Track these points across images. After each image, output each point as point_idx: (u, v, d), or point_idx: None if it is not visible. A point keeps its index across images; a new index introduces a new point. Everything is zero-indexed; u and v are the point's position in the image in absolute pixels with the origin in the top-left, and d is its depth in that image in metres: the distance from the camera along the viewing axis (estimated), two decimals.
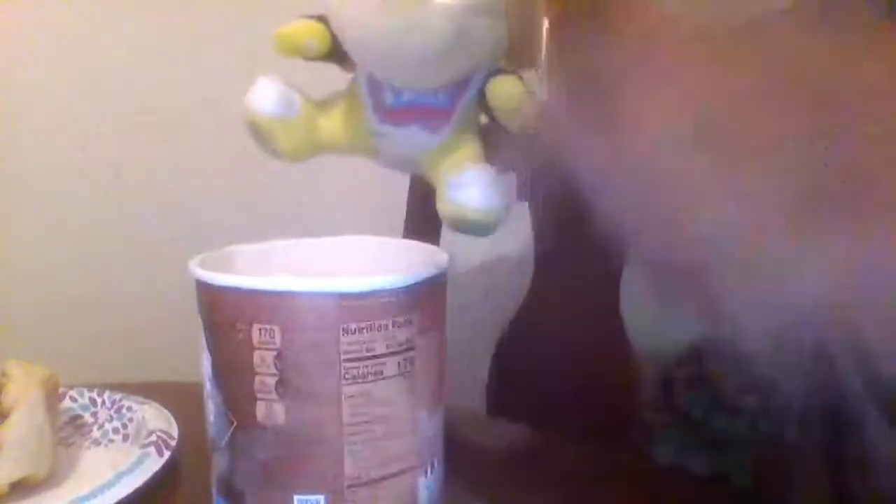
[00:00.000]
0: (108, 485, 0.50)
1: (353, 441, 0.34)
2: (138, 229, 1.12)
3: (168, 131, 1.17)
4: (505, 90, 0.43)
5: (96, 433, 0.60)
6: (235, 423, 0.34)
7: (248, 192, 1.17)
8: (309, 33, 0.43)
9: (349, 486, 0.34)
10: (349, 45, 0.43)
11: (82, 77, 1.11)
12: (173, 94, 1.17)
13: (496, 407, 0.88)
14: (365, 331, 0.34)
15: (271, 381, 0.33)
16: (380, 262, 0.41)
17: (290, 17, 0.44)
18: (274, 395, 0.33)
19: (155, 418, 0.59)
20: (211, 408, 0.36)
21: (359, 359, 0.34)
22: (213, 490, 0.37)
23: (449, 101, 0.44)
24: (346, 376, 0.34)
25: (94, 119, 1.12)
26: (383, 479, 0.35)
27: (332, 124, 0.46)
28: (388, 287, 0.34)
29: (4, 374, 0.55)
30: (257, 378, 0.33)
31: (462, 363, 1.04)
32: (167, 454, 0.54)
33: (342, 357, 0.33)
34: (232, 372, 0.34)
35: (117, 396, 0.62)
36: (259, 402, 0.34)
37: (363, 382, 0.34)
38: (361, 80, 0.45)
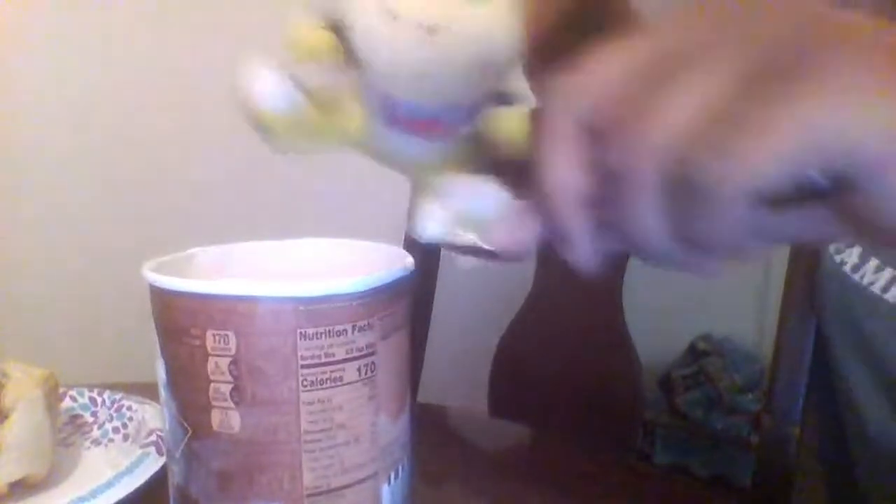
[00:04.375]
0: (108, 485, 0.49)
1: (312, 449, 0.32)
2: (139, 230, 1.11)
3: (171, 133, 1.16)
4: (511, 126, 0.39)
5: (96, 433, 0.58)
6: (190, 432, 0.32)
7: (250, 192, 1.16)
8: (320, 44, 0.38)
9: (308, 496, 0.32)
10: (375, 69, 0.38)
11: (82, 81, 1.11)
12: (174, 93, 1.16)
13: (497, 407, 0.86)
14: (323, 336, 0.31)
15: (226, 388, 0.31)
16: (343, 264, 0.39)
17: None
18: (229, 403, 0.31)
19: (155, 418, 0.57)
20: (167, 416, 0.34)
21: (317, 364, 0.31)
22: (171, 500, 0.35)
23: (456, 119, 0.41)
24: (304, 383, 0.31)
25: (96, 120, 1.12)
26: (344, 487, 0.33)
27: (330, 119, 0.41)
28: (346, 291, 0.32)
29: (4, 374, 0.54)
30: (212, 385, 0.31)
31: (464, 363, 1.02)
32: None
33: (299, 363, 0.31)
34: (186, 379, 0.32)
35: (117, 396, 0.61)
36: (214, 410, 0.31)
37: (321, 389, 0.31)
38: (368, 87, 0.41)
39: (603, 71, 0.24)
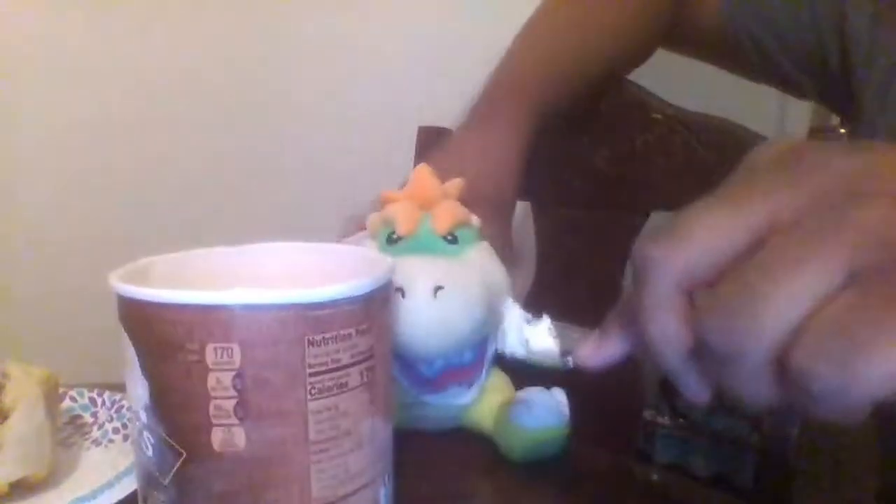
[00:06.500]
0: (108, 485, 0.48)
1: (320, 459, 0.31)
2: (140, 230, 1.11)
3: (172, 133, 1.15)
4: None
5: (96, 433, 0.58)
6: (185, 455, 0.30)
7: (250, 195, 1.15)
8: None
9: None
10: (406, 340, 0.44)
11: (82, 84, 1.10)
12: (174, 93, 1.15)
13: None
14: (330, 342, 0.30)
15: (230, 404, 0.29)
16: (303, 268, 0.38)
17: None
18: (233, 420, 0.30)
19: None
20: (149, 441, 0.31)
21: (325, 371, 0.31)
22: None
23: (476, 356, 0.49)
24: (312, 391, 0.30)
25: (96, 120, 1.11)
26: (348, 495, 0.32)
27: None
28: (350, 294, 0.31)
29: (4, 375, 0.53)
30: (213, 402, 0.29)
31: None
32: None
33: (308, 371, 0.30)
34: (179, 399, 0.30)
35: (117, 396, 0.60)
36: (215, 429, 0.30)
37: (328, 396, 0.31)
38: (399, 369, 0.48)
39: (704, 235, 0.23)
